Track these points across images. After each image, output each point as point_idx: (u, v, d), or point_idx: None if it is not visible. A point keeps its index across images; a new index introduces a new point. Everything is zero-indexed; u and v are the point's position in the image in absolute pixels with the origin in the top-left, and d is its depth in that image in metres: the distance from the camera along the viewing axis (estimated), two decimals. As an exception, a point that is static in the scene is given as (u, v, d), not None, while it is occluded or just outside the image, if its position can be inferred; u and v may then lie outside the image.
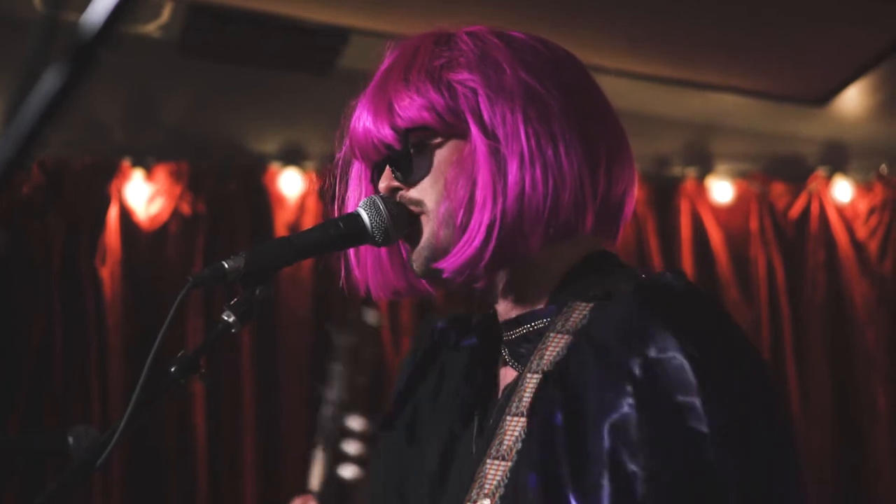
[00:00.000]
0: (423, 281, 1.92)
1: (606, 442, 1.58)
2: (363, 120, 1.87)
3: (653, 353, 1.59)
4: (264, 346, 5.90)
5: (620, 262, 1.83)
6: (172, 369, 1.71)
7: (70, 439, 2.23)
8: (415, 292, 1.97)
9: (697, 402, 1.55)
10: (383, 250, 1.93)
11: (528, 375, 1.72)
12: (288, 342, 5.98)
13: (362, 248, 1.93)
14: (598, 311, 1.72)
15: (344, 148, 1.95)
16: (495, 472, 1.69)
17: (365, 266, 1.96)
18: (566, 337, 1.72)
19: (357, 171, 1.97)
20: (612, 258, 1.84)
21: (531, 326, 1.80)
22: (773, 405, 1.63)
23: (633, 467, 1.57)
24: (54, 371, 5.57)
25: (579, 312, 1.74)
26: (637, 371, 1.59)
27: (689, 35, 5.57)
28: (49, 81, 0.90)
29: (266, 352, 5.92)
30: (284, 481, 5.84)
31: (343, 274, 1.97)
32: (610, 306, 1.71)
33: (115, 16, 0.91)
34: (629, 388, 1.58)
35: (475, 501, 1.69)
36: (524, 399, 1.70)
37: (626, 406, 1.58)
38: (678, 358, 1.57)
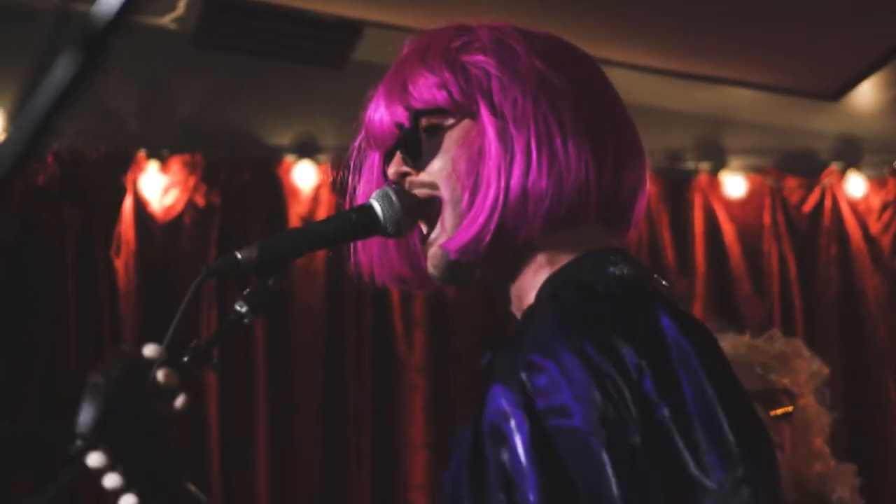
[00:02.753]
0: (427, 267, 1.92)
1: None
2: (378, 107, 1.88)
3: (537, 359, 1.60)
4: (277, 338, 5.91)
5: (624, 257, 1.80)
6: (185, 359, 1.71)
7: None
8: (421, 282, 1.98)
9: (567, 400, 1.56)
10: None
11: None
12: (301, 333, 5.99)
13: None
14: (524, 320, 1.76)
15: (359, 138, 1.96)
16: None
17: (370, 253, 1.97)
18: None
19: (370, 162, 1.98)
20: (614, 255, 1.81)
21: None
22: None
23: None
24: (68, 361, 5.59)
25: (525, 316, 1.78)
26: (523, 377, 1.60)
27: (701, 29, 5.56)
28: (61, 70, 0.90)
29: (279, 343, 5.92)
30: (297, 473, 5.86)
31: (351, 259, 1.98)
32: (534, 313, 1.74)
33: (129, 4, 0.91)
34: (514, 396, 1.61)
35: None
36: None
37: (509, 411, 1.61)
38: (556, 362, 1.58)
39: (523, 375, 1.60)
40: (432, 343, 6.15)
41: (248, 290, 1.79)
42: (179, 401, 1.63)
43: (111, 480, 1.55)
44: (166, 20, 5.20)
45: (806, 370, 3.35)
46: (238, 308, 1.77)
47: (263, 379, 5.87)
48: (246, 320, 1.78)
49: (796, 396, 3.29)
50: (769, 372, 3.27)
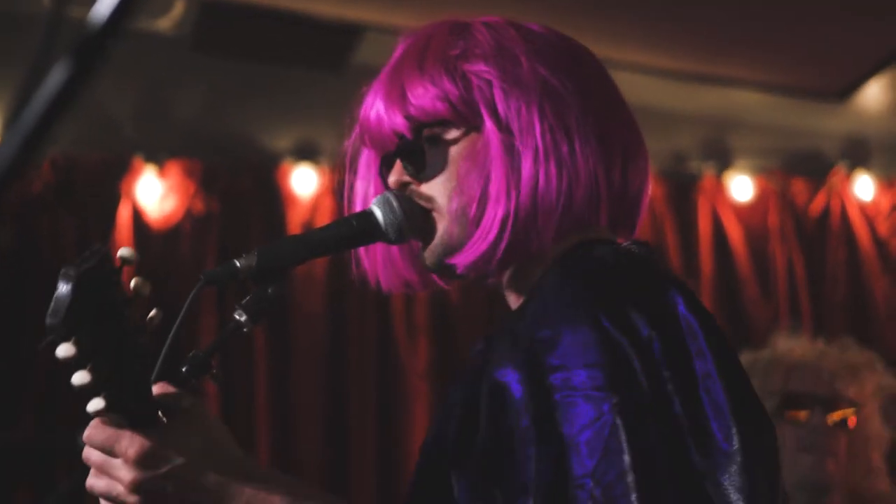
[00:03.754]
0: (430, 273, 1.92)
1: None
2: (375, 107, 1.85)
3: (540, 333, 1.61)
4: (277, 345, 5.88)
5: (611, 245, 1.78)
6: (184, 369, 1.69)
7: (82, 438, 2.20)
8: (427, 285, 1.96)
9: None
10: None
11: None
12: (302, 340, 5.96)
13: None
14: (523, 302, 1.75)
15: (353, 135, 1.93)
16: None
17: (374, 259, 1.95)
18: None
19: (366, 160, 1.95)
20: (615, 245, 1.79)
21: None
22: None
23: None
24: (65, 369, 5.54)
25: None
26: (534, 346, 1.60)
27: (706, 29, 5.53)
28: (57, 76, 0.89)
29: (279, 350, 5.89)
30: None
31: (354, 267, 1.95)
32: (529, 295, 1.73)
33: (123, 9, 0.90)
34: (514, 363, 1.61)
35: None
36: None
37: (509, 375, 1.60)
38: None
39: (534, 345, 1.59)
40: (435, 349, 6.12)
41: (247, 298, 1.76)
42: (152, 312, 1.58)
43: (79, 378, 1.49)
44: (163, 23, 5.16)
45: (874, 383, 3.38)
46: (237, 317, 1.75)
47: (264, 386, 5.84)
48: (245, 329, 1.75)
49: (859, 407, 3.29)
50: (836, 379, 3.30)
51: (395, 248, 1.92)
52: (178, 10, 5.18)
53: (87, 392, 1.52)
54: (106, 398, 1.53)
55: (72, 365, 1.50)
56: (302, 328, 5.95)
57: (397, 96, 1.81)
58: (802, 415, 3.20)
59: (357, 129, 1.92)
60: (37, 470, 5.31)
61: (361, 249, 1.94)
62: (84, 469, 1.62)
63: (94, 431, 1.59)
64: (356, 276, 1.96)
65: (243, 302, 1.76)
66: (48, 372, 5.51)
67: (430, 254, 1.82)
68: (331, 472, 5.90)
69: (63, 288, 1.47)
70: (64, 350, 1.48)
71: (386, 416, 6.01)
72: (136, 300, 1.55)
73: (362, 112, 1.88)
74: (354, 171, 1.96)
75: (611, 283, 1.62)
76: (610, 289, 1.61)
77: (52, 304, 1.48)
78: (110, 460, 1.58)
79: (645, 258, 1.72)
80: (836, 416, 3.22)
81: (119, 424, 1.57)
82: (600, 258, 1.68)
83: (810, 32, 5.53)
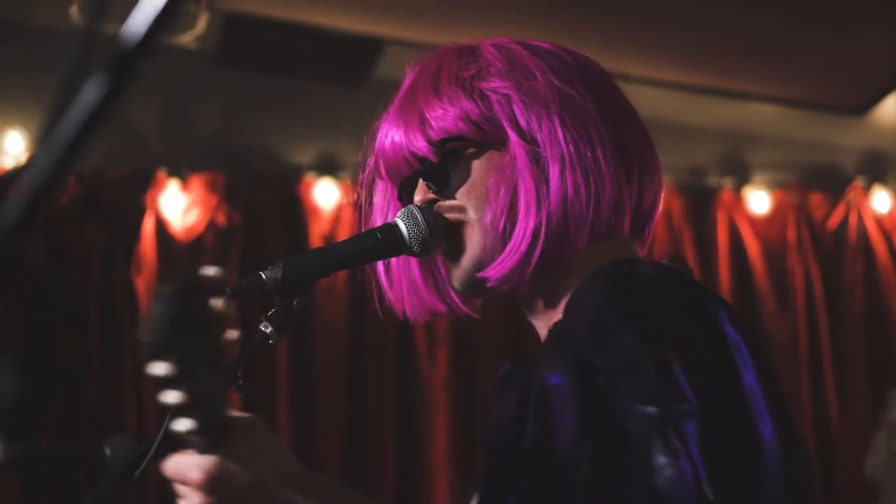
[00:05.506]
0: (460, 299, 1.92)
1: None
2: (391, 135, 1.86)
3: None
4: (299, 356, 5.89)
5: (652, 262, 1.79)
6: None
7: (107, 450, 2.21)
8: (453, 312, 1.96)
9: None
10: (416, 271, 1.92)
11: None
12: (323, 352, 5.97)
13: (394, 270, 1.93)
14: (567, 311, 1.74)
15: (368, 168, 1.93)
16: None
17: (400, 289, 1.95)
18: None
19: (382, 191, 1.95)
20: (642, 260, 1.82)
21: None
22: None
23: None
24: (89, 382, 5.58)
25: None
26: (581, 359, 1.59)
27: (724, 44, 5.54)
28: (90, 93, 0.89)
29: (301, 361, 5.90)
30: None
31: (376, 298, 1.97)
32: (572, 305, 1.72)
33: (157, 27, 0.91)
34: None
35: None
36: None
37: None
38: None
39: (582, 352, 1.59)
40: (455, 361, 6.12)
41: (272, 310, 1.77)
42: (230, 333, 1.56)
43: (173, 396, 1.47)
44: (187, 38, 5.20)
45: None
46: (263, 328, 1.77)
47: (285, 397, 5.85)
48: (271, 341, 1.77)
49: None
50: None
51: (418, 278, 1.93)
52: (201, 24, 5.22)
53: (180, 412, 1.50)
54: (197, 419, 1.52)
55: (164, 383, 1.48)
56: (323, 339, 5.96)
57: (416, 122, 1.82)
58: None
59: (371, 163, 1.92)
60: (58, 482, 5.33)
61: (384, 281, 1.95)
62: (107, 483, 1.64)
63: (169, 465, 1.60)
64: (383, 309, 1.96)
65: (269, 314, 1.77)
66: (72, 384, 5.55)
67: (459, 270, 1.83)
68: (351, 483, 5.88)
69: (160, 306, 1.46)
70: (161, 369, 1.46)
71: (406, 427, 6.01)
72: (223, 320, 1.53)
73: (377, 144, 1.89)
74: (371, 204, 1.96)
75: (657, 299, 1.63)
76: (656, 304, 1.62)
77: (149, 322, 1.46)
78: (185, 489, 1.59)
79: (687, 276, 1.73)
80: None
81: (198, 446, 1.57)
82: (646, 274, 1.69)
83: (829, 48, 5.54)
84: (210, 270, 1.48)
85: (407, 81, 1.90)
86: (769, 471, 1.52)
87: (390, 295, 1.96)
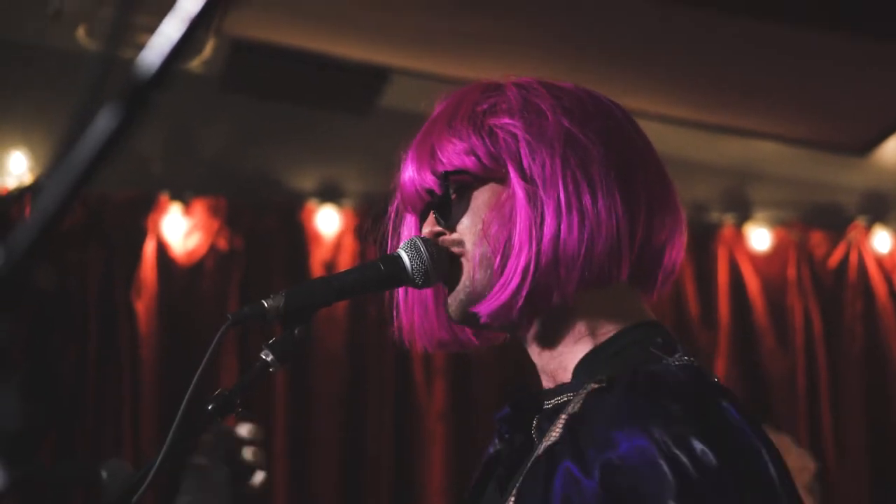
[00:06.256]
0: (467, 331, 1.91)
1: None
2: (409, 170, 1.87)
3: (614, 455, 1.59)
4: (298, 384, 5.89)
5: (664, 336, 1.80)
6: (209, 407, 1.72)
7: (104, 473, 2.21)
8: (458, 345, 1.95)
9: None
10: (429, 299, 1.92)
11: (534, 454, 1.71)
12: (322, 380, 5.97)
13: (410, 295, 1.93)
14: (592, 400, 1.71)
15: (395, 201, 1.94)
16: None
17: (412, 314, 1.94)
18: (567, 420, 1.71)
19: (407, 225, 1.96)
20: (655, 332, 1.81)
21: (556, 400, 1.77)
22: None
23: None
24: (87, 403, 5.58)
25: (581, 397, 1.73)
26: (597, 474, 1.59)
27: (728, 81, 5.56)
28: (103, 122, 0.89)
29: (299, 389, 5.91)
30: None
31: (395, 323, 1.96)
32: (604, 397, 1.69)
33: (173, 59, 0.91)
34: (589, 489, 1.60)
35: None
36: (520, 480, 1.72)
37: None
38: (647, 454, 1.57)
39: (602, 463, 1.59)
40: (453, 391, 6.12)
41: (273, 339, 1.78)
42: (258, 477, 1.73)
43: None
44: (193, 63, 5.22)
45: (795, 464, 3.38)
46: (264, 357, 1.77)
47: (283, 425, 5.85)
48: (272, 369, 1.77)
49: None
50: None
51: (431, 306, 1.92)
52: (207, 49, 5.24)
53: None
54: None
55: None
56: (321, 369, 5.96)
57: (428, 156, 1.83)
58: None
59: (397, 196, 1.93)
60: (55, 501, 5.33)
61: (401, 306, 1.95)
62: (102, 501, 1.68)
63: None
64: (394, 336, 1.96)
65: (270, 342, 1.77)
66: (69, 405, 5.55)
67: (453, 300, 1.83)
68: (346, 511, 5.90)
69: (196, 485, 1.74)
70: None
71: (403, 458, 6.01)
72: (248, 471, 1.82)
73: (400, 177, 1.90)
74: (398, 237, 1.95)
75: (676, 408, 1.62)
76: (675, 414, 1.61)
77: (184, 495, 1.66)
78: None
79: (700, 371, 1.73)
80: None
81: None
82: (659, 376, 1.68)
83: (832, 87, 5.55)
84: (243, 430, 1.65)
85: (433, 115, 1.90)
86: None
87: (404, 319, 1.95)
